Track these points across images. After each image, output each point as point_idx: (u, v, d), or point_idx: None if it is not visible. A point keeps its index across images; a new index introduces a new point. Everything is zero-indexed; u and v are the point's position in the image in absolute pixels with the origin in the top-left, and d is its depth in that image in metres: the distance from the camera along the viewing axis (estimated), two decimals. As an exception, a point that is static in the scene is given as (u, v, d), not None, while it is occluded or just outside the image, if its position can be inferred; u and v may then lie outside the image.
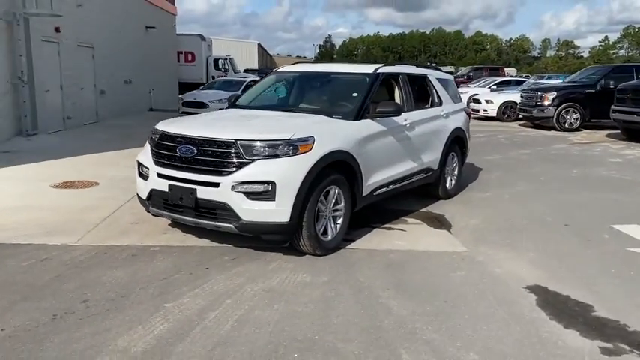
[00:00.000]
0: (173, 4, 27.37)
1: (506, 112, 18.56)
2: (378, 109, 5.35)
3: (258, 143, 4.42)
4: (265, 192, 4.33)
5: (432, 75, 6.98)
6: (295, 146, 4.46)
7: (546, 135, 14.70)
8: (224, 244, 4.99)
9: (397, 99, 6.14)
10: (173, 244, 4.99)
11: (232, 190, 4.36)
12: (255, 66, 60.70)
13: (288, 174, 4.37)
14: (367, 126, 5.31)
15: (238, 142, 4.43)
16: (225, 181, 4.37)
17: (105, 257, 4.64)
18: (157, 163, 4.81)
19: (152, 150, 4.93)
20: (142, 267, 4.44)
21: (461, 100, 7.83)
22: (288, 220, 4.39)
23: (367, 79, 5.74)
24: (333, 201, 4.88)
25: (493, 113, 18.80)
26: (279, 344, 3.25)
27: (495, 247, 5.20)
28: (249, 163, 4.38)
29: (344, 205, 4.98)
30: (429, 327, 3.51)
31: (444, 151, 6.74)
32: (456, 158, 7.27)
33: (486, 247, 5.19)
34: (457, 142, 7.25)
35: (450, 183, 7.15)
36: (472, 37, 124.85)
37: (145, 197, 4.96)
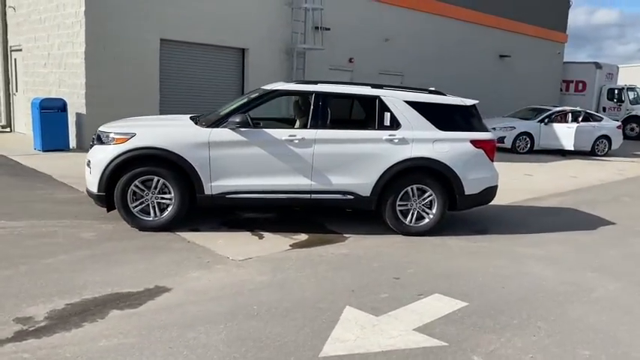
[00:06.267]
0: (564, 32, 26.34)
1: None
2: (228, 120, 5.99)
3: (98, 133, 6.15)
4: (90, 168, 6.03)
5: (394, 97, 6.36)
6: (113, 138, 5.94)
7: None
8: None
9: (309, 116, 6.28)
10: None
11: (87, 164, 6.24)
12: None
13: (99, 157, 5.92)
14: (218, 134, 5.99)
15: (98, 131, 6.25)
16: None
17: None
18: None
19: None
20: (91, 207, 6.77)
21: (474, 130, 6.52)
22: (96, 191, 5.93)
23: (259, 94, 6.34)
24: (158, 190, 5.96)
25: None
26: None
27: (261, 265, 5.15)
28: (94, 146, 6.16)
29: (173, 196, 5.97)
30: (65, 273, 4.69)
31: (382, 179, 6.20)
32: (430, 193, 6.34)
33: (259, 265, 5.19)
34: (431, 175, 6.34)
35: (411, 218, 6.38)
36: None
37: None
